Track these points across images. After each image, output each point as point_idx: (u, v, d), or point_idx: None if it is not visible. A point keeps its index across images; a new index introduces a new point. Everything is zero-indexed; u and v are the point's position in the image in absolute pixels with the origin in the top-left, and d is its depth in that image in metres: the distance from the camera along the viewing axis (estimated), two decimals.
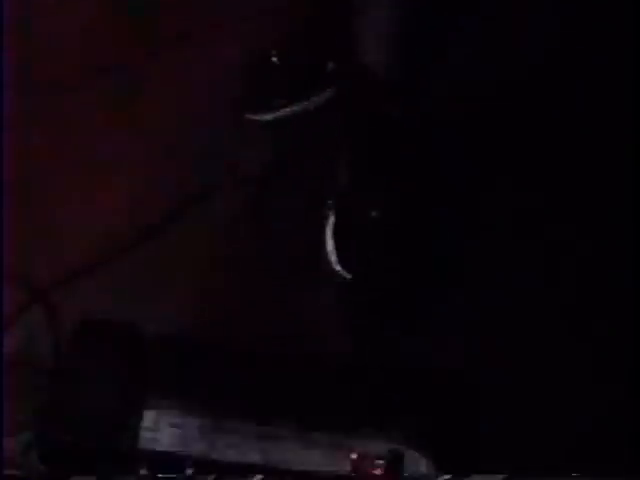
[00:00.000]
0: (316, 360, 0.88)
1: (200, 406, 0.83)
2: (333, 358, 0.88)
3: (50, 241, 0.95)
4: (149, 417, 0.83)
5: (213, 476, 0.79)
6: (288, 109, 0.99)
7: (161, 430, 0.82)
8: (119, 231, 0.96)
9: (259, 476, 0.78)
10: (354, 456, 0.82)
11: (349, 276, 0.94)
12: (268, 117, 1.01)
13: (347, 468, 0.82)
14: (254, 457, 0.82)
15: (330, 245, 0.93)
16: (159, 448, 0.81)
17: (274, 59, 1.00)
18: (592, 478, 0.77)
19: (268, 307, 0.94)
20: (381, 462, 0.81)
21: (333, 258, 0.93)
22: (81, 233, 0.96)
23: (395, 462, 0.82)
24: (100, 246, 0.95)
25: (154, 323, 0.89)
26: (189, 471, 0.81)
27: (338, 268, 0.93)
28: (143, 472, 0.81)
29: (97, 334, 0.86)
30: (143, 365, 0.85)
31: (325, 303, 0.95)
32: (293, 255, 0.96)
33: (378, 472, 0.81)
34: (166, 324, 0.90)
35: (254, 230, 0.97)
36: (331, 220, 0.93)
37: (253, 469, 0.81)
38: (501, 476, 0.76)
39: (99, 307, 0.91)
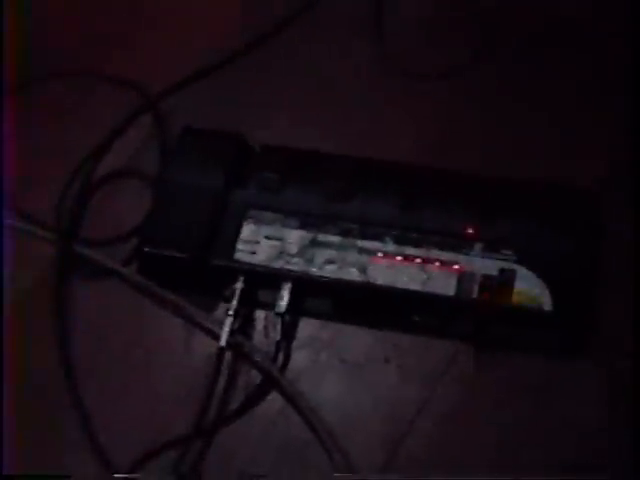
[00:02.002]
0: (421, 175, 0.82)
1: (301, 221, 0.80)
2: (441, 174, 0.82)
3: (161, 49, 0.92)
4: (247, 229, 0.79)
5: None
6: None
7: (259, 243, 0.79)
8: (231, 38, 0.92)
9: None
10: (461, 273, 0.77)
11: None
12: None
13: (452, 289, 0.77)
14: (353, 273, 0.78)
15: None
16: (256, 261, 0.79)
17: None
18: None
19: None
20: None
21: None
22: (192, 42, 0.92)
23: (505, 281, 0.77)
24: (211, 53, 0.91)
25: (262, 133, 0.86)
26: (287, 286, 0.79)
27: None
28: (239, 285, 0.79)
29: (200, 142, 0.83)
30: (246, 175, 0.81)
31: None
32: None
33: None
34: (274, 135, 0.86)
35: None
36: None
37: (352, 285, 0.78)
38: None
39: (208, 117, 0.87)
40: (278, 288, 0.78)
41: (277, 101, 0.89)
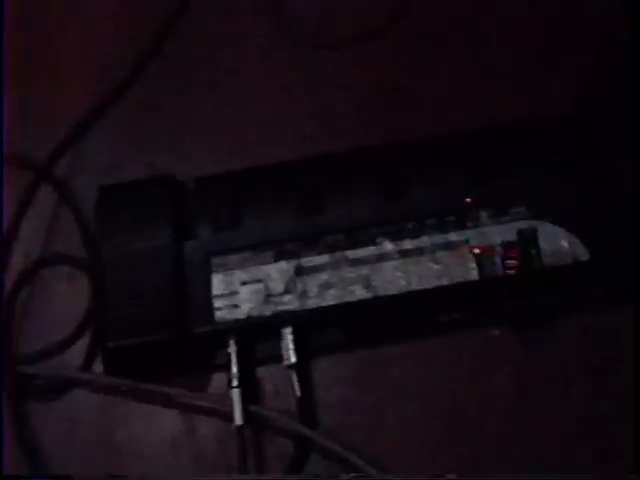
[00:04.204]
0: (389, 154, 0.70)
1: (276, 251, 0.67)
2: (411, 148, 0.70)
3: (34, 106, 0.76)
4: (218, 282, 0.66)
5: None
6: None
7: (238, 293, 0.66)
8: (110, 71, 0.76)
9: None
10: (477, 251, 0.67)
11: None
12: None
13: (473, 272, 0.66)
14: (358, 291, 0.66)
15: None
16: (242, 316, 0.66)
17: None
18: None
19: None
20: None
21: None
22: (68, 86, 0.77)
23: (528, 243, 0.67)
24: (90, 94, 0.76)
25: (182, 165, 0.72)
26: (287, 332, 0.66)
27: None
28: (232, 349, 0.66)
29: (124, 199, 0.68)
30: (192, 220, 0.67)
31: None
32: None
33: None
34: (197, 163, 0.73)
35: None
36: None
37: (361, 306, 0.66)
38: None
39: (111, 167, 0.73)
40: (278, 336, 0.66)
41: (185, 122, 0.74)
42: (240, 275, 0.66)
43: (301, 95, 0.75)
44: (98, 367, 0.67)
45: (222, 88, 0.76)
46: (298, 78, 0.76)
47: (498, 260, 0.66)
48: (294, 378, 0.65)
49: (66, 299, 0.70)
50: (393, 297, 0.65)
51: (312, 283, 0.66)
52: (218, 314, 0.65)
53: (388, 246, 0.66)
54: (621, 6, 0.73)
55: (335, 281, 0.66)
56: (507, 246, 0.66)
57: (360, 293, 0.65)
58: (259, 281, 0.66)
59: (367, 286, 0.66)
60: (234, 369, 0.65)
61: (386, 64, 0.75)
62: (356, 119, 0.73)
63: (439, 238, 0.66)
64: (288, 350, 0.65)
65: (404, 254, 0.66)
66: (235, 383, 0.65)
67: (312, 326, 0.66)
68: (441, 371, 0.67)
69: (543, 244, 0.66)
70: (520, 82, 0.73)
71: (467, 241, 0.66)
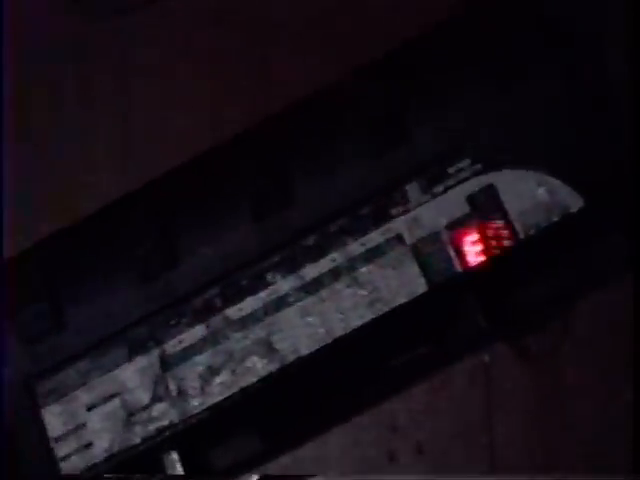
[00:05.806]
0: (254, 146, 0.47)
1: (127, 345, 0.44)
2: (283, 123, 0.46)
3: None
4: (53, 417, 0.44)
5: None
6: None
7: (85, 425, 0.44)
8: None
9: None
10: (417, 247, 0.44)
11: None
12: None
13: (419, 281, 0.43)
14: (259, 365, 0.43)
15: None
16: (100, 457, 0.43)
17: None
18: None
19: None
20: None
21: None
22: None
23: (487, 211, 0.43)
24: None
25: None
26: (172, 458, 0.44)
27: None
28: None
29: None
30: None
31: None
32: None
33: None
34: None
35: None
36: None
37: (268, 382, 0.44)
38: None
39: None
40: (162, 467, 0.44)
41: None
42: (83, 397, 0.44)
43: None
44: None
45: None
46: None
47: (452, 251, 0.43)
48: None
49: None
50: (310, 358, 0.42)
51: (191, 375, 0.43)
52: (65, 465, 0.43)
53: (285, 284, 0.43)
54: None
55: (221, 361, 0.43)
56: (458, 225, 0.43)
57: (261, 367, 0.43)
58: (114, 395, 0.44)
59: (268, 353, 0.43)
60: None
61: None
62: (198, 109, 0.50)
63: (356, 247, 0.43)
64: None
65: (309, 289, 0.43)
66: None
67: (211, 437, 0.44)
68: (416, 436, 0.44)
69: (509, 205, 0.42)
70: None
71: (399, 237, 0.43)
